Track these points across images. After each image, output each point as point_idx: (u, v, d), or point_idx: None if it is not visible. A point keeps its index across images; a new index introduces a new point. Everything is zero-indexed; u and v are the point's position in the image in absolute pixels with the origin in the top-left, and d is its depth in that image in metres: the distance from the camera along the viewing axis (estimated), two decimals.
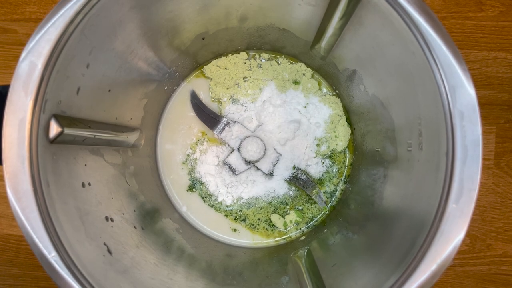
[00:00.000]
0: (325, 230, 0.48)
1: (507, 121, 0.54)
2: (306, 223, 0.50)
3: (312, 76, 0.51)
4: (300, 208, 0.50)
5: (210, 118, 0.50)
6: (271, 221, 0.50)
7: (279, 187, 0.50)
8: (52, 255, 0.28)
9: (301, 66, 0.51)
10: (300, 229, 0.50)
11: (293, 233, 0.50)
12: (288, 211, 0.50)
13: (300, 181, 0.50)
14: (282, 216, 0.50)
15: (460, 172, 0.28)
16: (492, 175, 0.54)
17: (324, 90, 0.51)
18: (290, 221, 0.50)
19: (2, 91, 0.29)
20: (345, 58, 0.43)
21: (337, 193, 0.51)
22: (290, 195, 0.50)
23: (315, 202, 0.50)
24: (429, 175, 0.31)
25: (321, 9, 0.37)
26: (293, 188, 0.50)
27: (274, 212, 0.50)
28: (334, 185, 0.51)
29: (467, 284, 0.54)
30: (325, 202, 0.50)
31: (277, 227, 0.50)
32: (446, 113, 0.28)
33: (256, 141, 0.49)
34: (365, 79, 0.42)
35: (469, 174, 0.28)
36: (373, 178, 0.43)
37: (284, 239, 0.50)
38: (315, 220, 0.50)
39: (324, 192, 0.50)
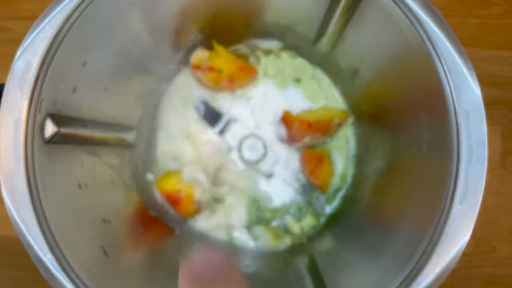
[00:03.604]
0: (327, 233, 0.47)
1: None
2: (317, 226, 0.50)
3: (313, 76, 0.50)
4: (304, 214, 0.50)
5: (211, 115, 0.50)
6: (287, 227, 0.49)
7: (284, 192, 0.50)
8: (48, 258, 0.28)
9: (302, 63, 0.50)
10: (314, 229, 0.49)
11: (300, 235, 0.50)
12: (304, 215, 0.49)
13: (300, 183, 0.49)
14: (297, 221, 0.49)
15: (465, 172, 0.27)
16: (497, 176, 0.53)
17: (325, 89, 0.51)
18: (307, 225, 0.49)
19: None
20: (347, 56, 0.43)
21: (340, 195, 0.50)
22: (298, 202, 0.50)
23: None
24: (433, 176, 0.30)
25: (323, 6, 0.37)
26: (301, 193, 0.50)
27: (285, 216, 0.50)
28: (337, 188, 0.50)
29: (472, 287, 0.53)
30: (324, 207, 0.49)
31: (292, 232, 0.49)
32: (451, 112, 0.28)
33: (257, 141, 0.48)
34: (367, 77, 0.42)
35: (474, 175, 0.27)
36: (376, 180, 0.43)
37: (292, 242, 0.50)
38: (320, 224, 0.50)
39: (326, 195, 0.50)
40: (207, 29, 0.45)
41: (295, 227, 0.49)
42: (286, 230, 0.49)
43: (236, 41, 0.50)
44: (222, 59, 0.46)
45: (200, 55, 0.46)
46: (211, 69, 0.46)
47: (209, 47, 0.47)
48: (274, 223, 0.49)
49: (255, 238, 0.49)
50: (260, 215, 0.50)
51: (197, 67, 0.46)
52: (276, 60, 0.50)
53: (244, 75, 0.47)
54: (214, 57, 0.46)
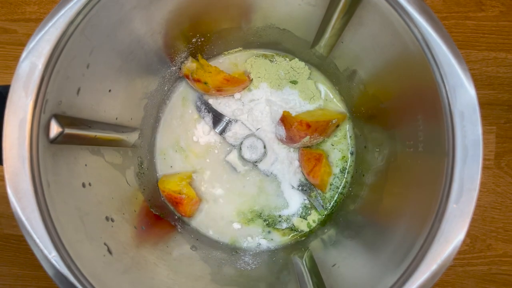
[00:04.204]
0: (326, 231, 0.48)
1: (507, 121, 0.53)
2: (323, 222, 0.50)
3: (310, 76, 0.51)
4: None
5: (212, 116, 0.50)
6: (294, 226, 0.50)
7: (290, 190, 0.50)
8: (52, 255, 0.28)
9: (296, 63, 0.50)
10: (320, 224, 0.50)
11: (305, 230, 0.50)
12: (309, 212, 0.50)
13: (299, 183, 0.50)
14: (304, 218, 0.50)
15: (461, 172, 0.28)
16: (492, 175, 0.54)
17: (321, 90, 0.51)
18: (314, 221, 0.50)
19: (2, 91, 0.29)
20: (345, 58, 0.43)
21: (338, 194, 0.50)
22: (305, 199, 0.50)
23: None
24: (429, 175, 0.31)
25: (321, 9, 0.37)
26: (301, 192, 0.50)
27: (295, 217, 0.50)
28: (335, 187, 0.50)
29: (468, 284, 0.54)
30: (323, 206, 0.50)
31: (300, 230, 0.50)
32: (447, 113, 0.28)
33: (256, 141, 0.49)
34: (365, 79, 0.42)
35: (469, 174, 0.28)
36: (373, 179, 0.43)
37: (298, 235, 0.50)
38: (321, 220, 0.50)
39: (324, 194, 0.50)
40: (204, 34, 0.45)
41: (303, 225, 0.50)
42: (293, 229, 0.50)
43: (235, 46, 0.50)
44: (207, 72, 0.46)
45: (188, 65, 0.47)
46: (197, 80, 0.46)
47: (195, 55, 0.48)
48: (283, 225, 0.50)
49: (264, 237, 0.50)
50: (265, 218, 0.50)
51: (187, 76, 0.47)
52: (274, 63, 0.51)
53: (230, 85, 0.48)
54: (200, 70, 0.47)
